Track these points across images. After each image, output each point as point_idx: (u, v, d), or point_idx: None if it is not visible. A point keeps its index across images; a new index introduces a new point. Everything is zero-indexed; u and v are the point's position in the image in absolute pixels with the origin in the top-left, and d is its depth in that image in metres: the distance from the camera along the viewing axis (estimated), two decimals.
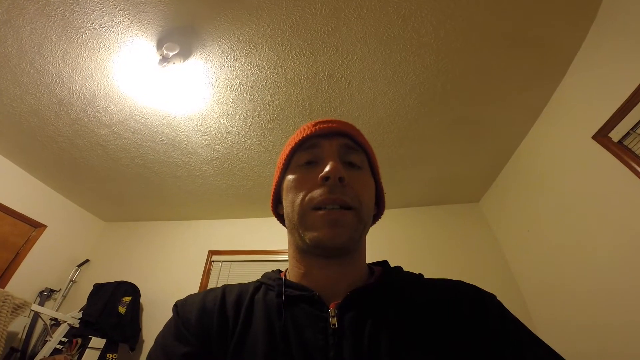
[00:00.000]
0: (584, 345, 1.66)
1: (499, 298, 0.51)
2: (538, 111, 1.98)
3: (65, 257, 3.15)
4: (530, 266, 2.18)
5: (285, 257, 2.80)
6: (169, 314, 0.53)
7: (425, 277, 0.58)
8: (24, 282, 2.72)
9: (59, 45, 1.69)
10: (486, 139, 2.20)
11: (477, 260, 2.52)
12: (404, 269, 0.59)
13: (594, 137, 1.55)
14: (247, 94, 1.94)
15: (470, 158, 2.39)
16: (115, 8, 1.49)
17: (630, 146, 1.42)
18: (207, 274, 3.01)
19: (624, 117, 1.39)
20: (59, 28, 1.60)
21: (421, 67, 1.72)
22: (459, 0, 1.41)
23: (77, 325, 2.43)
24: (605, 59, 1.46)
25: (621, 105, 1.37)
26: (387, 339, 0.43)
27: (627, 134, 1.42)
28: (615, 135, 1.46)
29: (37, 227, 2.94)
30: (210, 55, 1.70)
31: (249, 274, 2.91)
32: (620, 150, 1.44)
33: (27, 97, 2.03)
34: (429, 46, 1.61)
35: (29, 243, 2.85)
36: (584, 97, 1.63)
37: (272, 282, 0.56)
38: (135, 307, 2.71)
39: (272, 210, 0.63)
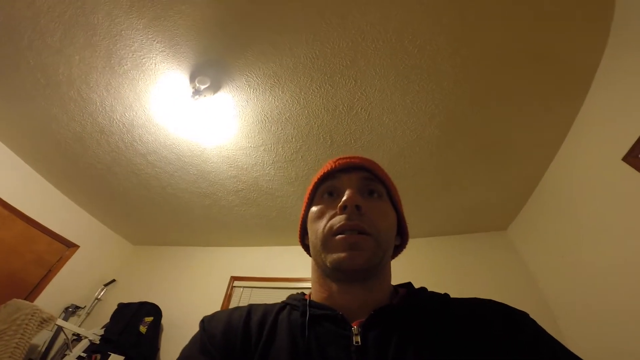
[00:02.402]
0: None
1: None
2: (564, 133, 1.88)
3: (93, 276, 3.25)
4: (565, 292, 2.03)
5: (305, 284, 2.83)
6: (188, 335, 0.55)
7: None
8: (52, 297, 2.81)
9: (103, 74, 1.82)
10: (512, 165, 2.12)
11: (506, 289, 2.38)
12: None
13: (625, 159, 1.48)
14: (271, 126, 2.00)
15: (495, 185, 2.30)
16: (154, 41, 1.61)
17: None
18: (228, 298, 3.02)
19: None
20: (104, 58, 1.73)
21: (440, 95, 1.72)
22: (472, 26, 1.42)
23: (98, 342, 2.47)
24: (627, 72, 1.41)
25: None
26: (412, 356, 0.43)
27: None
28: None
29: (71, 246, 3.08)
30: (238, 88, 1.79)
31: (269, 300, 2.79)
32: None
33: (72, 124, 2.17)
34: (447, 73, 1.61)
35: (61, 261, 2.97)
36: (609, 116, 1.56)
37: (297, 302, 0.57)
38: (156, 328, 2.74)
39: (300, 241, 0.66)
